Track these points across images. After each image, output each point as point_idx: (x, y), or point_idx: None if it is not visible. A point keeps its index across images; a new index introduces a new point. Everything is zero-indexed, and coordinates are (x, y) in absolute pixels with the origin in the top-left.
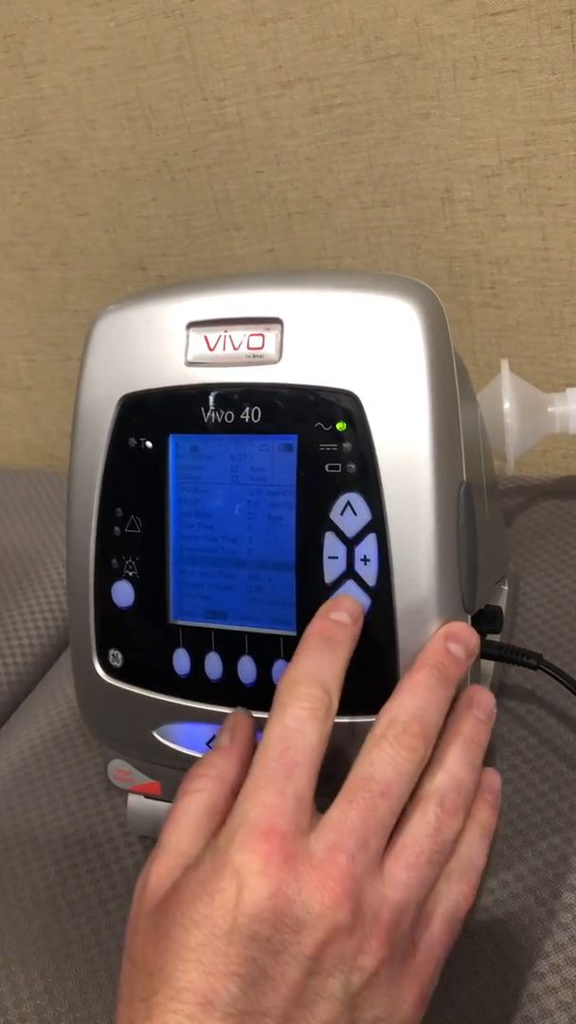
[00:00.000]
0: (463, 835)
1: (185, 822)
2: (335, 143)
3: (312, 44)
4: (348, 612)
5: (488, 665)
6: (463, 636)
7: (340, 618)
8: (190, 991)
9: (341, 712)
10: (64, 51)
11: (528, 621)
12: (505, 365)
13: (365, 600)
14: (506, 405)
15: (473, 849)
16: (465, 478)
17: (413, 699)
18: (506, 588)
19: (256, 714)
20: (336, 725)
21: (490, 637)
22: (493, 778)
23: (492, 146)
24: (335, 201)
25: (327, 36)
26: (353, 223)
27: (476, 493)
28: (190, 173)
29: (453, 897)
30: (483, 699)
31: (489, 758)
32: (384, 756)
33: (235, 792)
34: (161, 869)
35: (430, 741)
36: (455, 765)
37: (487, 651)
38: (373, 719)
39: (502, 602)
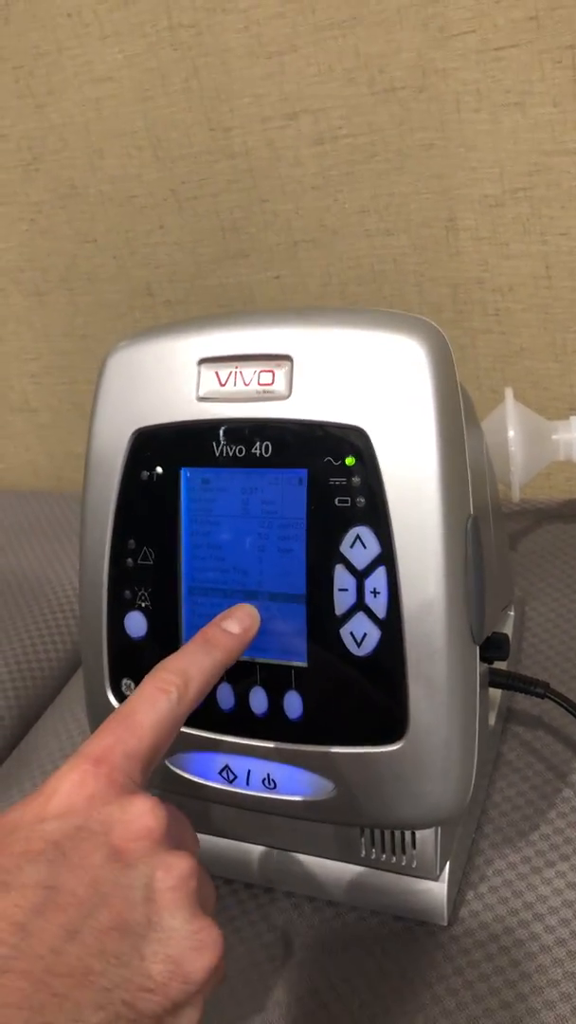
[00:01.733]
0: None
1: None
2: (340, 173)
3: (317, 77)
4: (239, 622)
5: (496, 692)
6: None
7: (228, 626)
8: None
9: (353, 742)
10: (72, 82)
11: (534, 646)
12: (509, 394)
13: (375, 632)
14: (511, 434)
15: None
16: (472, 511)
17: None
18: (512, 614)
19: (267, 744)
20: (349, 756)
21: (497, 664)
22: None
23: (495, 176)
24: (340, 229)
25: (332, 69)
26: (358, 251)
27: (483, 523)
28: (197, 201)
29: None
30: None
31: (496, 783)
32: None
33: None
34: None
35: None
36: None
37: (495, 680)
38: (386, 748)
39: (508, 628)
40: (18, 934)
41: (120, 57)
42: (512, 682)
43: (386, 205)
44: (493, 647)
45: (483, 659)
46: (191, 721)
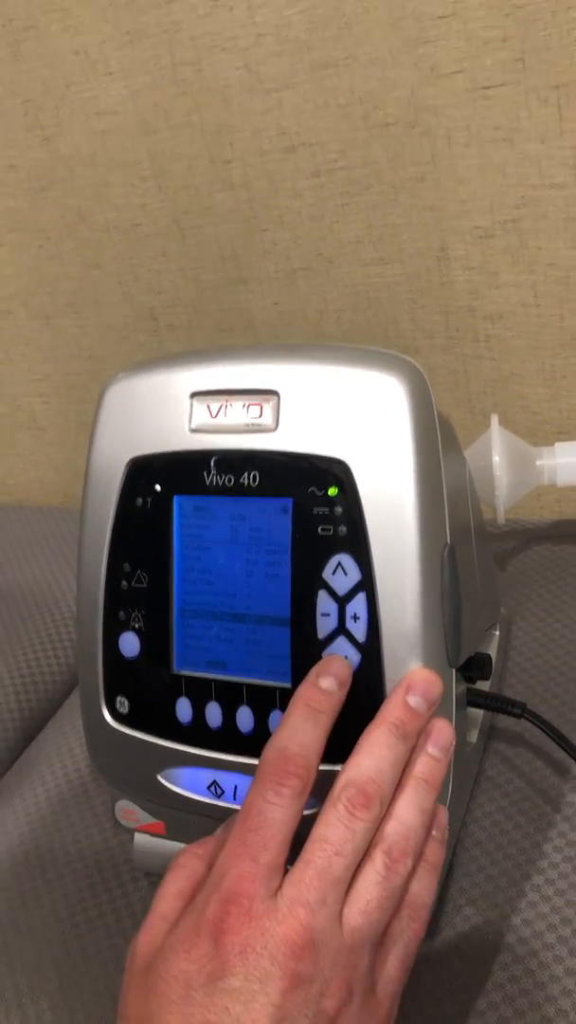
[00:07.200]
0: (413, 874)
1: (170, 892)
2: (336, 204)
3: (314, 112)
4: (336, 677)
5: (478, 710)
6: (422, 688)
7: (327, 685)
8: None
9: (329, 760)
10: (79, 115)
11: (519, 665)
12: (495, 420)
13: (355, 656)
14: (495, 459)
15: (422, 887)
16: (449, 540)
17: (370, 759)
18: (497, 633)
19: (253, 761)
20: (330, 773)
21: (480, 683)
22: (441, 815)
23: (485, 209)
24: (336, 258)
25: (328, 105)
26: (354, 279)
27: (463, 545)
28: (199, 230)
29: (405, 936)
30: (440, 736)
31: (477, 799)
32: (340, 818)
33: None
34: (148, 935)
35: (385, 798)
36: (404, 812)
37: (474, 699)
38: None
39: (493, 648)
40: None
41: (125, 92)
42: (491, 702)
43: (380, 235)
44: (476, 667)
45: (466, 679)
46: (181, 738)
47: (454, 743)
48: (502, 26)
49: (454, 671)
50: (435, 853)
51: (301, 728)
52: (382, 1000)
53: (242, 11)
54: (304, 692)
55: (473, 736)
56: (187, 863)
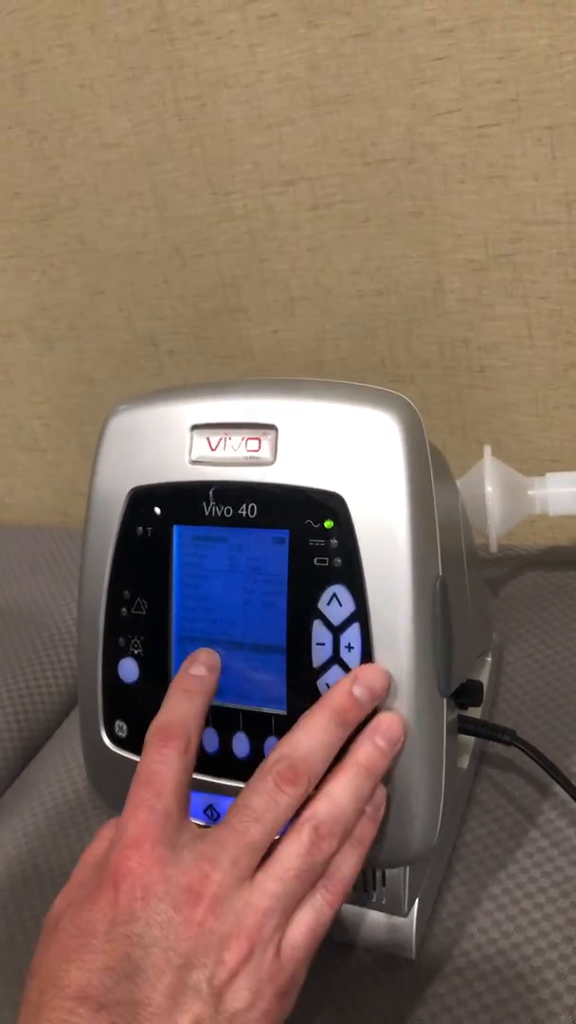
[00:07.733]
0: (338, 852)
1: (86, 861)
2: (334, 236)
3: (313, 147)
4: (204, 664)
5: (468, 736)
6: (368, 680)
7: (197, 671)
8: (70, 987)
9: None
10: (83, 146)
11: (510, 691)
12: (487, 451)
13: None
14: (488, 489)
15: (345, 861)
16: (441, 572)
17: (306, 739)
18: (489, 659)
19: None
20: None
21: (471, 709)
22: (379, 794)
23: (480, 243)
24: (334, 288)
25: (327, 140)
26: (351, 309)
27: (455, 575)
28: (199, 259)
29: (317, 905)
30: (388, 727)
31: (468, 823)
32: (266, 788)
33: None
34: (63, 897)
35: (314, 778)
36: (339, 793)
37: (464, 727)
38: None
39: (484, 674)
40: None
41: (128, 125)
42: (481, 730)
43: (377, 267)
44: (467, 694)
45: (457, 705)
46: None
47: (403, 738)
48: (497, 68)
49: (445, 699)
50: (364, 830)
51: (176, 704)
52: (286, 963)
53: (244, 49)
54: (177, 680)
55: (464, 762)
56: (106, 833)
